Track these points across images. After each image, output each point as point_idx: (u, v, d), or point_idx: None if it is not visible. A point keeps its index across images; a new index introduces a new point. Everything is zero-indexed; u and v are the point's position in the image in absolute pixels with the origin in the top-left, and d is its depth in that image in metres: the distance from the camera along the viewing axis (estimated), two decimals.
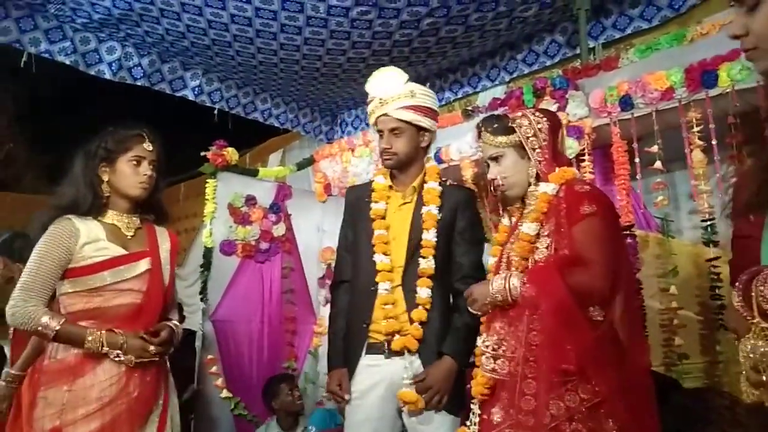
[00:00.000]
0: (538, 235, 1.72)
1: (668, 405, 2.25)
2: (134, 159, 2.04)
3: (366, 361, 2.06)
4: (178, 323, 2.13)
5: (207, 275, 3.37)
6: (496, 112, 2.74)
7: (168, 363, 2.11)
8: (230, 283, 3.46)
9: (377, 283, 2.08)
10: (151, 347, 1.94)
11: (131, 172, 2.04)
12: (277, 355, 3.55)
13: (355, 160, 3.58)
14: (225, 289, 3.44)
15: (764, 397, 0.95)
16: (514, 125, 1.80)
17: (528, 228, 1.72)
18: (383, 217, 2.16)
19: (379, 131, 2.16)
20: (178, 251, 2.26)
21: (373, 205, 2.17)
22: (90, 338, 1.87)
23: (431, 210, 2.10)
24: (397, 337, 2.02)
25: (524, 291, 1.61)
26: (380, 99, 2.13)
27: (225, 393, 3.20)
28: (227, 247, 3.47)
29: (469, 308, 1.81)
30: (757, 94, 2.24)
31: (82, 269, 1.94)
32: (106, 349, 1.88)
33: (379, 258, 2.09)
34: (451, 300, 2.10)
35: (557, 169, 1.76)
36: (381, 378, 2.03)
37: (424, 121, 2.12)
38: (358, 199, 2.25)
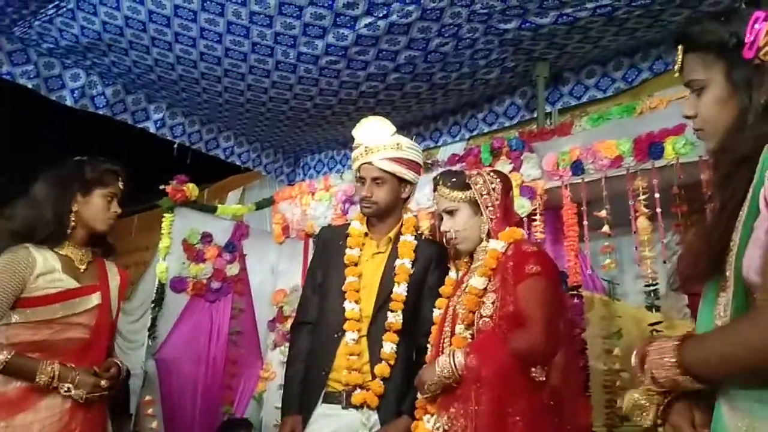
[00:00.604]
0: (485, 290, 1.76)
1: None
2: (109, 195, 2.03)
3: (322, 410, 2.01)
4: (122, 361, 2.07)
5: (158, 312, 3.28)
6: (454, 168, 2.82)
7: (107, 402, 2.04)
8: (177, 321, 3.38)
9: (342, 331, 2.04)
10: (103, 382, 1.89)
11: (104, 207, 2.02)
12: (219, 398, 3.45)
13: (315, 203, 3.60)
14: (172, 327, 3.36)
15: None
16: (470, 182, 1.87)
17: (476, 282, 1.76)
18: (356, 264, 2.14)
19: (361, 178, 2.17)
20: (126, 286, 2.22)
21: (347, 250, 2.15)
22: (41, 370, 1.81)
23: (405, 264, 2.10)
24: (358, 390, 1.99)
25: (468, 362, 1.62)
26: (366, 147, 2.14)
27: None
28: (178, 284, 3.40)
29: (419, 394, 1.81)
30: (700, 168, 2.38)
31: (34, 300, 1.88)
32: (57, 382, 1.82)
33: (349, 306, 2.06)
34: (414, 356, 2.08)
35: (507, 228, 1.82)
36: (336, 429, 1.98)
37: (407, 174, 2.15)
38: (331, 241, 2.23)
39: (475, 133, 4.08)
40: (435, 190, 1.93)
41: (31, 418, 1.80)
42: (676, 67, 1.13)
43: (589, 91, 3.64)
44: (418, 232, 2.22)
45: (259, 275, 3.78)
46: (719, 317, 0.97)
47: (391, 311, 2.05)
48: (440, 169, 2.94)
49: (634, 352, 1.04)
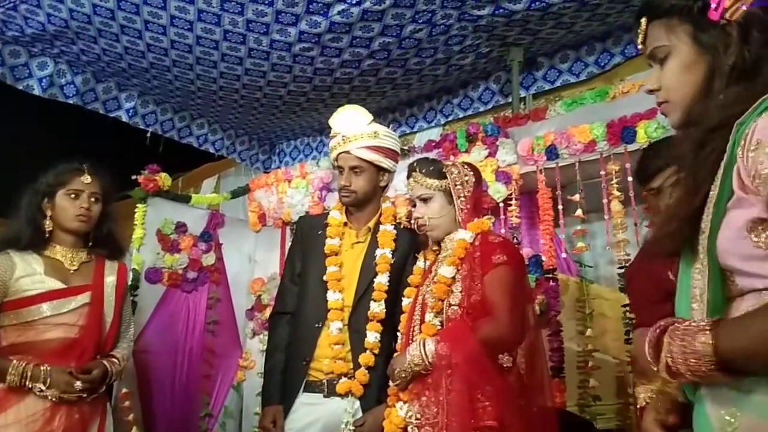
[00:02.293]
0: (453, 279, 1.79)
1: None
2: (71, 192, 2.07)
3: (304, 399, 2.03)
4: (119, 359, 2.11)
5: (134, 303, 3.23)
6: (429, 155, 2.83)
7: (107, 402, 2.11)
8: (154, 313, 3.34)
9: (323, 320, 2.05)
10: (77, 383, 1.90)
11: (68, 205, 2.06)
12: (197, 388, 3.44)
13: (291, 191, 3.59)
14: (148, 319, 3.33)
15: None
16: (446, 171, 1.89)
17: (445, 271, 1.80)
18: (337, 254, 2.15)
19: (339, 167, 2.17)
20: (126, 282, 2.26)
21: (328, 240, 2.15)
22: (12, 371, 1.84)
23: (386, 253, 2.12)
24: (343, 379, 2.00)
25: (439, 349, 1.66)
26: (343, 136, 2.14)
27: (135, 431, 3.05)
28: (153, 275, 3.36)
29: (391, 382, 1.84)
30: None
31: (16, 302, 1.94)
32: (28, 383, 1.84)
33: (332, 296, 2.07)
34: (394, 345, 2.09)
35: (476, 219, 1.86)
36: (318, 417, 2.00)
37: (385, 162, 2.16)
38: (310, 230, 2.23)
39: (450, 118, 4.08)
40: (409, 176, 1.95)
41: (12, 418, 1.83)
42: (639, 39, 1.09)
43: (562, 76, 3.66)
44: (397, 220, 2.22)
45: (236, 264, 3.76)
46: (695, 300, 0.93)
47: (374, 301, 2.07)
48: (417, 156, 2.95)
49: (647, 340, 0.92)
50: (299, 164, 3.69)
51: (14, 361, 1.86)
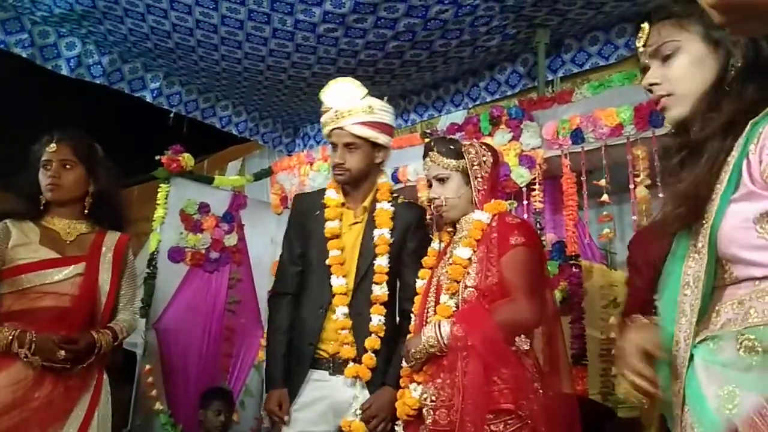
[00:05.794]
0: (470, 260, 1.76)
1: None
2: (43, 163, 2.08)
3: (312, 375, 2.02)
4: (115, 330, 2.08)
5: (152, 282, 3.27)
6: (448, 136, 2.78)
7: (104, 374, 2.06)
8: (177, 292, 3.39)
9: (327, 305, 2.02)
10: (61, 352, 1.89)
11: (42, 177, 2.08)
12: (218, 367, 3.49)
13: (313, 173, 3.59)
14: (171, 297, 3.37)
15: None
16: (463, 151, 1.85)
17: (462, 252, 1.77)
18: (338, 236, 2.09)
19: (333, 144, 2.09)
20: (124, 253, 2.19)
21: (328, 223, 2.09)
22: None
23: (384, 234, 2.06)
24: (351, 364, 1.98)
25: (455, 331, 1.63)
26: (336, 111, 2.05)
27: (158, 405, 3.10)
28: (176, 255, 3.40)
29: (405, 362, 1.81)
30: None
31: (11, 270, 1.97)
32: (16, 348, 1.85)
33: (337, 281, 2.03)
34: (398, 321, 2.08)
35: (493, 200, 1.83)
36: (325, 394, 1.99)
37: (381, 138, 2.07)
38: (308, 210, 2.16)
39: (477, 102, 4.00)
40: (426, 156, 1.91)
41: (3, 381, 1.85)
42: (640, 42, 1.10)
43: (591, 59, 3.56)
44: (394, 196, 2.16)
45: (259, 246, 3.78)
46: (688, 286, 0.97)
47: (376, 284, 2.03)
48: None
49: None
50: (321, 147, 3.68)
51: (2, 327, 1.88)
